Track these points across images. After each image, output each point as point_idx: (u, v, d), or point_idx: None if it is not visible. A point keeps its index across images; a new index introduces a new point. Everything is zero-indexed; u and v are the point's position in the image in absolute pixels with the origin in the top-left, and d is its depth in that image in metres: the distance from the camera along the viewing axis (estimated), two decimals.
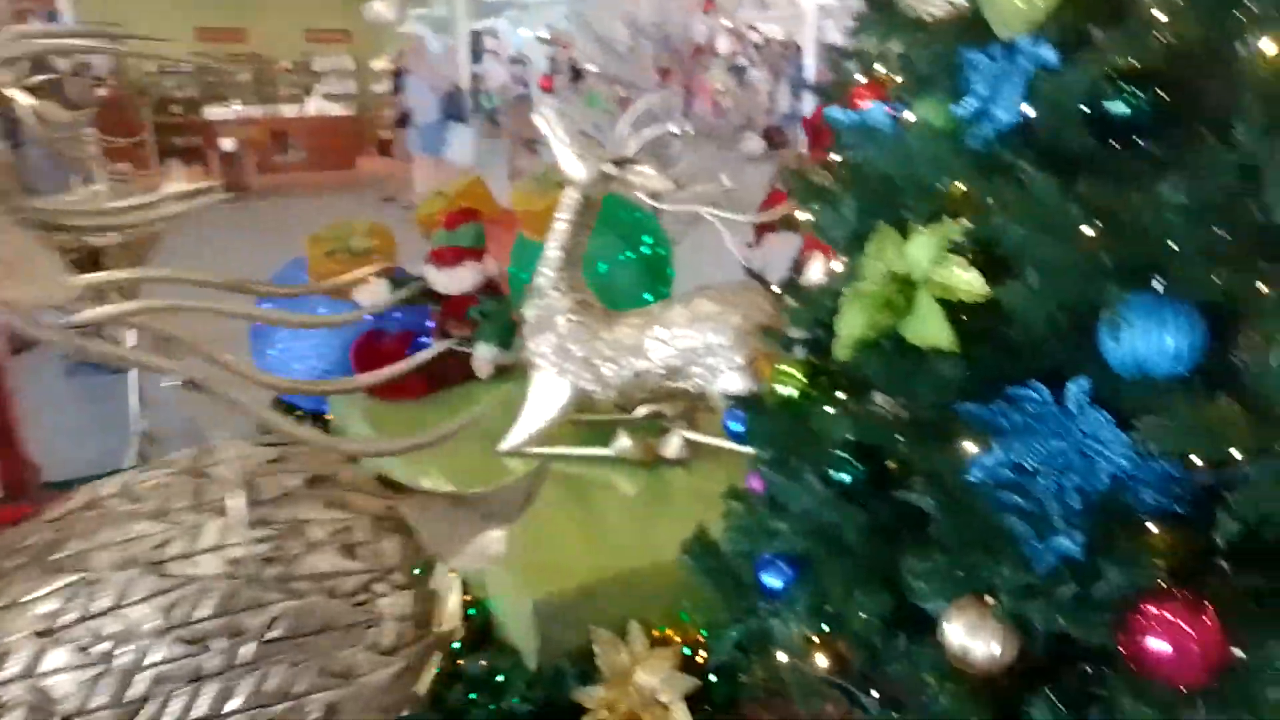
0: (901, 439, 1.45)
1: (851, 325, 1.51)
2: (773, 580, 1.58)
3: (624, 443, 2.61)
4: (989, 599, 1.31)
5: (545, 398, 2.61)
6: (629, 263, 3.29)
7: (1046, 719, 1.30)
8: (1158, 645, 1.13)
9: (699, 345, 2.48)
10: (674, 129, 3.35)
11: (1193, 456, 1.23)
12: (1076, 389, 1.35)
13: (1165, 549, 1.22)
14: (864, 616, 1.44)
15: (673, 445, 2.62)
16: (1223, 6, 1.21)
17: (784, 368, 1.74)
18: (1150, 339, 1.23)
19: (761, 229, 3.47)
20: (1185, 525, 1.26)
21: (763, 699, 2.02)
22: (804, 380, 1.71)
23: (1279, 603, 1.18)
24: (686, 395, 2.60)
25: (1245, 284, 1.23)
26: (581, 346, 2.55)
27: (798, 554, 1.57)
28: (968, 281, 1.39)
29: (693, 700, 2.00)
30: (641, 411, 2.82)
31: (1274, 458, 1.15)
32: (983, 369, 1.46)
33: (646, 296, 3.32)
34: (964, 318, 1.42)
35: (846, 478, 1.47)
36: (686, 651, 2.08)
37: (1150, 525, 1.26)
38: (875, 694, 1.71)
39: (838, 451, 1.49)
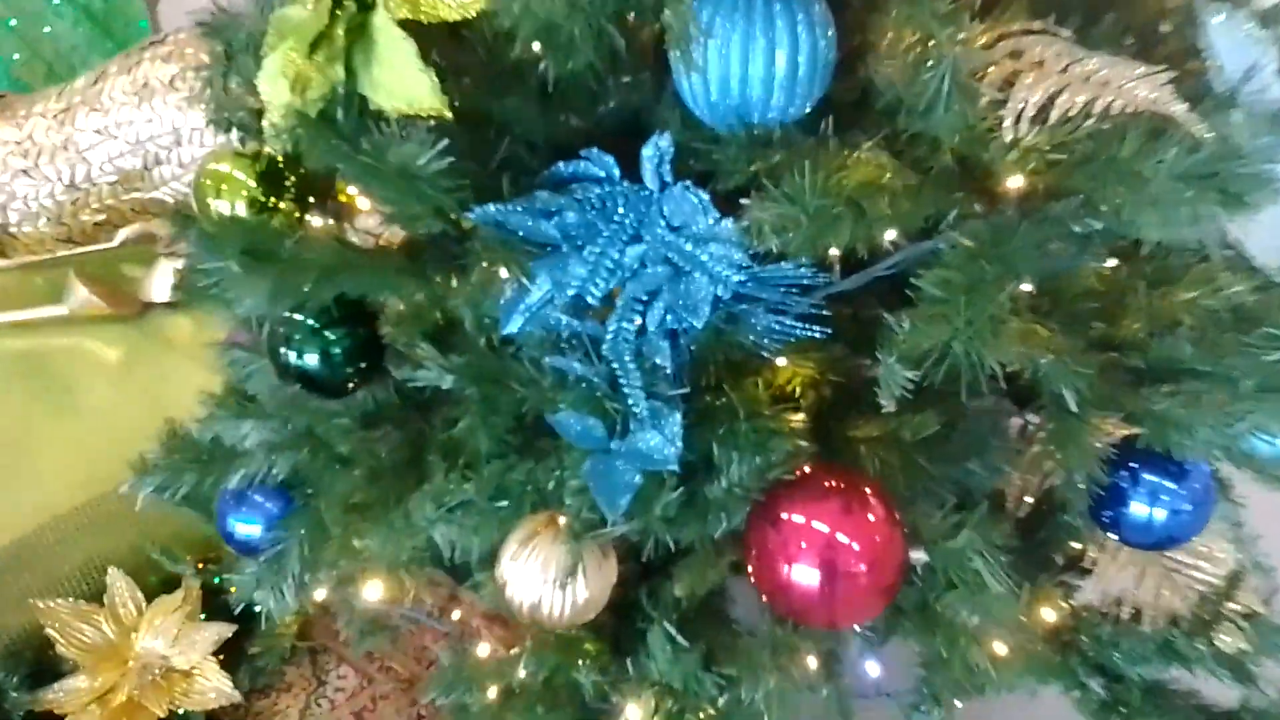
0: (393, 282, 0.85)
1: (277, 86, 0.84)
2: (245, 527, 0.98)
3: (79, 293, 1.78)
4: (562, 518, 0.82)
5: None
6: (63, 11, 2.25)
7: (664, 651, 0.88)
8: (806, 579, 0.70)
9: (160, 130, 1.67)
10: None
11: (832, 250, 0.76)
12: (654, 151, 0.82)
13: (801, 402, 0.78)
14: (393, 568, 0.91)
15: (159, 282, 1.84)
16: None
17: (217, 166, 1.05)
18: (743, 52, 0.70)
19: None
20: (827, 353, 0.82)
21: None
22: (254, 185, 1.04)
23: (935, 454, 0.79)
24: (167, 207, 1.81)
25: None
26: None
27: (286, 479, 0.98)
28: None
29: (234, 645, 1.42)
30: (120, 237, 1.98)
31: (941, 236, 0.70)
32: (508, 143, 0.89)
33: None
34: (458, 56, 0.82)
35: (313, 360, 0.86)
36: (219, 580, 1.47)
37: (780, 365, 0.81)
38: (456, 616, 1.24)
39: (296, 316, 0.87)
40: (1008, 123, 0.69)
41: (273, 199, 1.05)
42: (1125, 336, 0.83)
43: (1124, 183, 0.64)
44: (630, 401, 0.72)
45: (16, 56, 2.27)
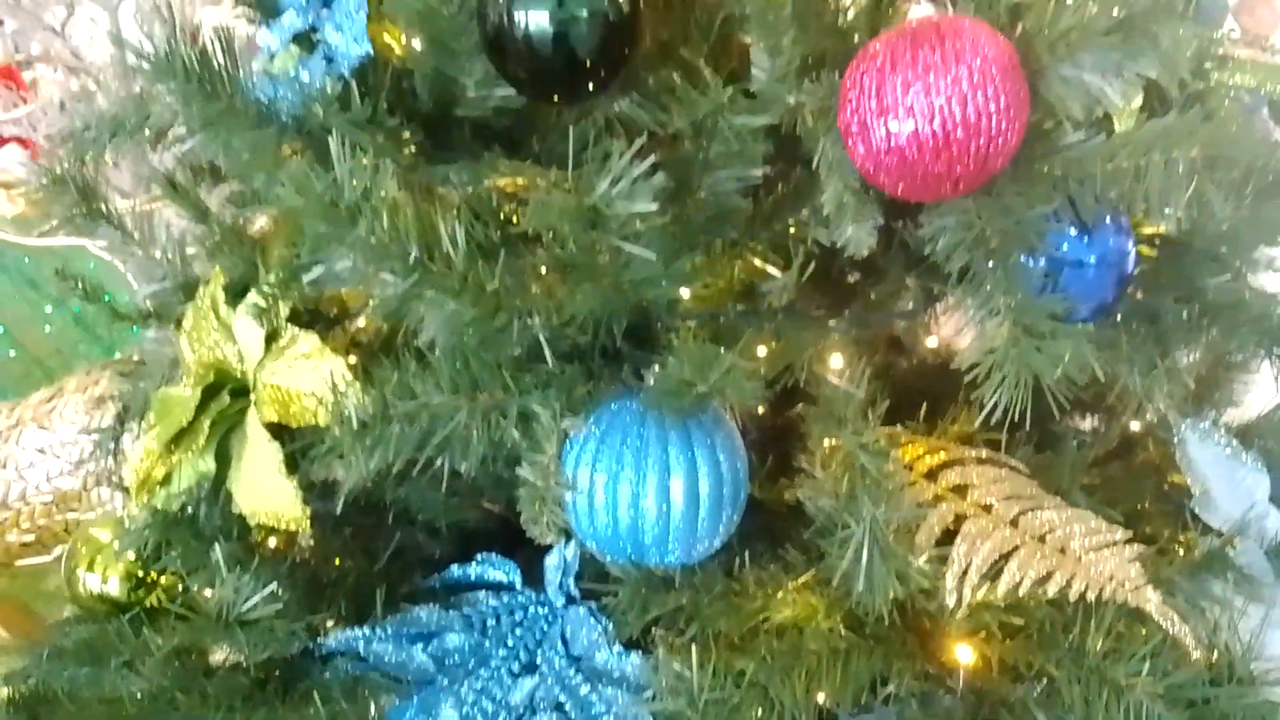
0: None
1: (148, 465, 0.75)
2: None
3: None
4: None
5: None
6: (54, 318, 2.29)
7: None
8: None
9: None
10: None
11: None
12: (559, 561, 0.71)
13: None
14: None
15: None
16: None
17: (97, 532, 0.94)
18: (634, 493, 0.59)
19: None
20: None
21: None
22: (133, 559, 0.93)
23: None
24: None
25: None
26: None
27: None
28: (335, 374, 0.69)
29: None
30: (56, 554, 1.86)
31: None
32: (406, 530, 0.79)
33: None
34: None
35: None
36: None
37: None
38: None
39: None
40: (950, 583, 0.57)
41: (153, 574, 0.93)
42: None
43: (1095, 687, 0.50)
44: None
45: (12, 354, 2.29)
